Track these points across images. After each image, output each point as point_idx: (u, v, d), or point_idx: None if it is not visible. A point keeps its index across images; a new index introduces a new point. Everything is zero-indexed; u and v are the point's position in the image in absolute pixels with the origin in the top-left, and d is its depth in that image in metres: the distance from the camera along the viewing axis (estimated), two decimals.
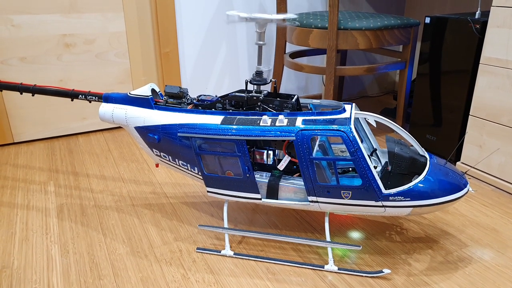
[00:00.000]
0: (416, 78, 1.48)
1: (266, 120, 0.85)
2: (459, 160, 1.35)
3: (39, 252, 0.95)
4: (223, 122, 0.88)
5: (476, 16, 1.26)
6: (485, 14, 1.29)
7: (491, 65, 1.19)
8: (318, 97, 2.12)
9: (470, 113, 1.27)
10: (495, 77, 1.18)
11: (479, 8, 1.28)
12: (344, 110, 0.87)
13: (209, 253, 0.94)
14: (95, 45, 1.59)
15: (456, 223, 1.05)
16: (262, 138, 0.84)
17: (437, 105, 1.41)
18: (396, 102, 2.07)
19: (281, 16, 0.86)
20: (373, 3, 2.04)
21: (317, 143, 0.91)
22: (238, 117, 0.89)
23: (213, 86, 1.86)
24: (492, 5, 1.16)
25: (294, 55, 1.74)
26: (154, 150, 1.00)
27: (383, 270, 0.86)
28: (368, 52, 2.14)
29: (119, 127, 1.74)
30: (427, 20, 1.38)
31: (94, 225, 1.05)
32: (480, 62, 1.21)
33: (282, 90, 2.00)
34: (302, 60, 1.94)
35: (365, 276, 0.86)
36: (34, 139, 1.60)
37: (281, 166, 0.89)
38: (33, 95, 1.10)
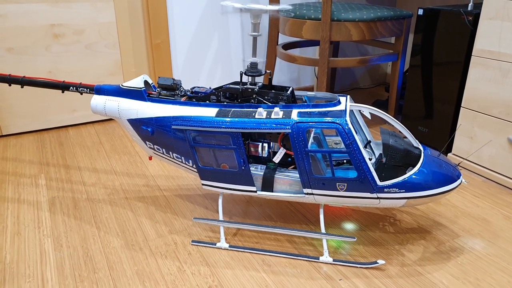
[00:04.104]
0: (408, 70, 1.48)
1: (261, 113, 0.85)
2: (450, 151, 1.36)
3: (32, 246, 0.94)
4: (218, 115, 0.87)
5: (469, 8, 1.27)
6: (478, 6, 1.29)
7: (483, 57, 1.20)
8: (310, 89, 2.12)
9: (461, 105, 1.28)
10: (487, 69, 1.19)
11: (471, 0, 1.28)
12: (339, 103, 0.87)
13: (204, 246, 0.94)
14: (84, 35, 1.56)
15: (448, 213, 1.07)
16: (257, 130, 0.83)
17: (429, 97, 1.42)
18: (388, 93, 2.08)
19: (276, 7, 0.85)
20: None
21: (312, 135, 0.91)
22: (233, 109, 0.88)
23: (205, 77, 1.84)
24: None
25: (286, 46, 1.73)
26: (147, 142, 0.99)
27: (378, 261, 0.87)
28: (360, 44, 2.13)
29: (110, 119, 1.72)
30: (420, 11, 1.38)
31: (87, 219, 1.04)
32: (472, 54, 1.22)
33: (275, 81, 1.99)
34: (294, 52, 1.93)
35: (360, 267, 0.87)
36: (23, 131, 1.57)
37: (277, 158, 0.89)
38: (22, 87, 1.08)
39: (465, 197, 1.15)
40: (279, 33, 1.65)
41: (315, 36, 1.43)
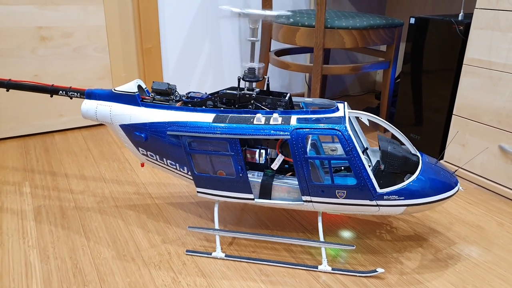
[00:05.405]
0: (400, 78, 1.49)
1: (260, 119, 0.83)
2: (442, 158, 1.37)
3: (17, 257, 0.89)
4: (215, 120, 0.85)
5: (460, 18, 1.29)
6: (468, 16, 1.31)
7: (474, 66, 1.21)
8: (301, 95, 2.12)
9: (453, 113, 1.30)
10: (478, 78, 1.21)
11: (462, 10, 1.31)
12: (337, 109, 0.87)
13: (200, 256, 0.91)
14: (73, 38, 1.52)
15: (443, 221, 1.07)
16: (256, 136, 0.81)
17: (421, 104, 1.43)
18: (378, 101, 2.10)
19: (275, 13, 0.84)
20: (355, 3, 2.05)
21: (309, 142, 0.90)
22: (230, 115, 0.86)
23: (196, 83, 1.82)
24: (476, 7, 1.18)
25: (278, 53, 1.73)
26: (140, 149, 0.96)
27: (377, 270, 0.86)
28: (349, 52, 2.15)
29: (98, 125, 1.67)
30: (412, 20, 1.40)
31: (76, 228, 1.00)
32: (464, 62, 1.24)
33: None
34: (286, 59, 1.93)
35: (359, 276, 0.86)
36: (6, 137, 1.52)
37: (275, 165, 0.87)
38: (7, 90, 1.04)
39: (458, 204, 1.15)
40: (271, 40, 1.64)
41: (309, 43, 1.43)
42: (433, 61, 1.36)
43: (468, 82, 1.24)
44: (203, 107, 0.92)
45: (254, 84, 0.91)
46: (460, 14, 1.30)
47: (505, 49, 1.13)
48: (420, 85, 1.42)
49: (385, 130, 1.69)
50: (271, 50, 1.70)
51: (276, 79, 2.03)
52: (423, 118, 1.43)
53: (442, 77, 1.34)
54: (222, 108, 0.90)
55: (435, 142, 1.40)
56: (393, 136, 1.50)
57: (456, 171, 0.91)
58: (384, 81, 1.61)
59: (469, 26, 1.22)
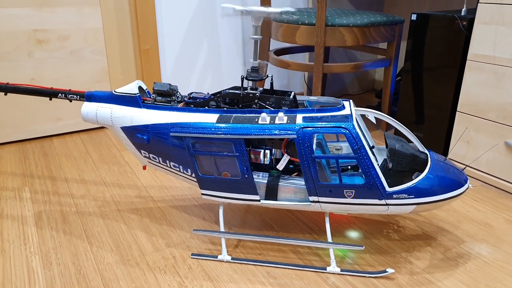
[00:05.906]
0: (402, 76, 1.48)
1: (265, 118, 0.82)
2: (446, 156, 1.36)
3: (18, 264, 0.87)
4: (218, 121, 0.83)
5: (462, 13, 1.28)
6: (470, 11, 1.30)
7: (478, 62, 1.20)
8: (300, 95, 2.10)
9: (457, 109, 1.28)
10: (482, 73, 1.20)
11: (465, 5, 1.29)
12: (343, 107, 0.85)
13: (205, 259, 0.89)
14: (69, 41, 1.49)
15: (451, 219, 1.05)
16: (261, 136, 0.80)
17: (424, 101, 1.42)
18: (378, 99, 2.08)
19: (279, 9, 0.82)
20: (354, 1, 2.04)
21: (315, 141, 0.88)
22: (234, 115, 0.85)
23: (195, 83, 1.80)
24: (479, 1, 1.17)
25: (277, 52, 1.71)
26: (142, 151, 0.94)
27: (387, 270, 0.84)
28: (349, 51, 2.14)
29: (97, 128, 1.65)
30: (413, 17, 1.38)
31: (78, 233, 0.98)
32: (467, 58, 1.23)
33: (265, 87, 1.97)
34: (284, 58, 1.91)
35: (369, 277, 0.84)
36: (3, 142, 1.49)
37: (280, 166, 0.86)
38: (5, 94, 1.01)
39: (465, 201, 1.14)
40: (271, 39, 1.63)
41: (309, 42, 1.41)
42: (435, 57, 1.35)
43: (472, 78, 1.22)
44: (206, 107, 0.90)
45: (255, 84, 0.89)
46: (463, 10, 1.29)
47: (509, 44, 1.12)
48: (422, 83, 1.41)
49: (387, 128, 1.67)
50: (270, 49, 1.68)
51: (275, 79, 2.01)
52: (426, 116, 1.42)
53: (445, 73, 1.33)
54: (225, 108, 0.88)
55: (438, 140, 1.39)
56: (397, 133, 1.49)
57: (464, 169, 0.90)
58: (385, 79, 1.60)
59: (473, 21, 1.21)
